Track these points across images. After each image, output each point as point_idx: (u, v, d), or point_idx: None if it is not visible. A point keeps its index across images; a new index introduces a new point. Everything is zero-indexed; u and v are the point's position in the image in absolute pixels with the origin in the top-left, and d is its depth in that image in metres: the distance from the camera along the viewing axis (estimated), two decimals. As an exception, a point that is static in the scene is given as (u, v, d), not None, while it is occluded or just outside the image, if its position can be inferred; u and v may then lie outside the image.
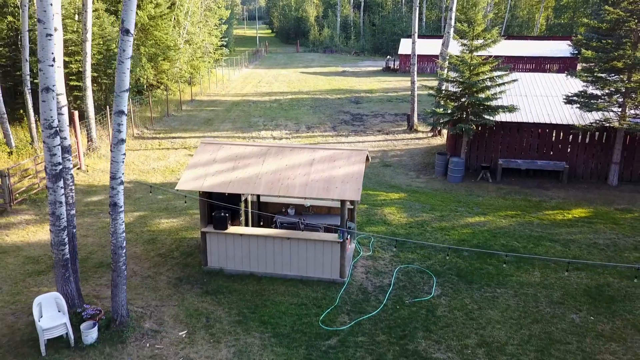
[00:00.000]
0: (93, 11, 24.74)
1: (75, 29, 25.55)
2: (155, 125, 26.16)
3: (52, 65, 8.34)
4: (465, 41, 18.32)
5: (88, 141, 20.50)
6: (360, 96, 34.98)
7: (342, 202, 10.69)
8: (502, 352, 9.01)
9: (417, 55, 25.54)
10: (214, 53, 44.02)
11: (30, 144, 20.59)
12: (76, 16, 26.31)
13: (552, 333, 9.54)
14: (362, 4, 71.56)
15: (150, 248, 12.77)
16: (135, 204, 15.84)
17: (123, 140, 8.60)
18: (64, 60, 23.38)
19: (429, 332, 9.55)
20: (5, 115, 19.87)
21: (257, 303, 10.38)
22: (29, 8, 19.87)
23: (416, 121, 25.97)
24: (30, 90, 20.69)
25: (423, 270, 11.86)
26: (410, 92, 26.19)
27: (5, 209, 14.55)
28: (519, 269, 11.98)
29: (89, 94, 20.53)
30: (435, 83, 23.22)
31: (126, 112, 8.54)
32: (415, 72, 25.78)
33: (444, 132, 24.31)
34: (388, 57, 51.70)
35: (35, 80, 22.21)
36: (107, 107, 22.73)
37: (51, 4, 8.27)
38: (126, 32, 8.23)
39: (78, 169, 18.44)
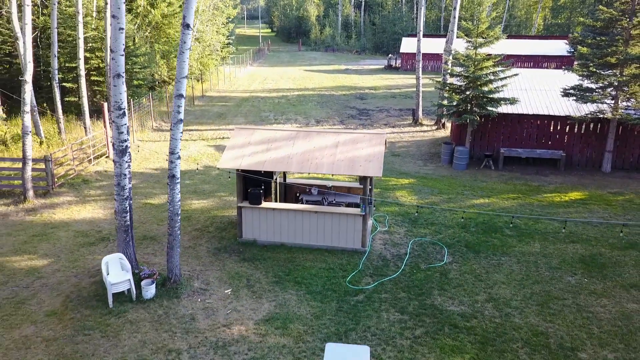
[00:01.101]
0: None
1: (94, 26, 26.78)
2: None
3: (123, 55, 9.63)
4: (470, 38, 19.66)
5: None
6: (364, 92, 36.32)
7: (364, 178, 12.02)
8: (507, 305, 10.35)
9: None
10: (221, 51, 45.29)
11: (59, 134, 21.82)
12: (94, 13, 27.53)
13: (551, 291, 10.89)
14: (363, 3, 72.96)
15: (187, 224, 14.07)
16: (166, 188, 17.10)
17: (181, 120, 9.90)
18: (88, 57, 24.67)
19: (443, 290, 10.89)
20: (36, 107, 21.10)
21: (290, 267, 11.70)
22: (57, 5, 21.15)
23: (421, 115, 27.34)
24: (58, 84, 21.91)
25: (435, 242, 13.20)
26: (414, 89, 27.54)
27: (48, 191, 15.82)
28: (520, 241, 13.33)
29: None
30: (437, 79, 24.57)
31: (185, 96, 9.85)
32: (421, 69, 27.11)
33: (448, 125, 25.69)
34: (389, 55, 53.08)
35: (59, 76, 23.49)
36: (131, 100, 23.94)
37: (124, 2, 9.55)
38: (187, 26, 9.52)
39: (107, 157, 19.69)
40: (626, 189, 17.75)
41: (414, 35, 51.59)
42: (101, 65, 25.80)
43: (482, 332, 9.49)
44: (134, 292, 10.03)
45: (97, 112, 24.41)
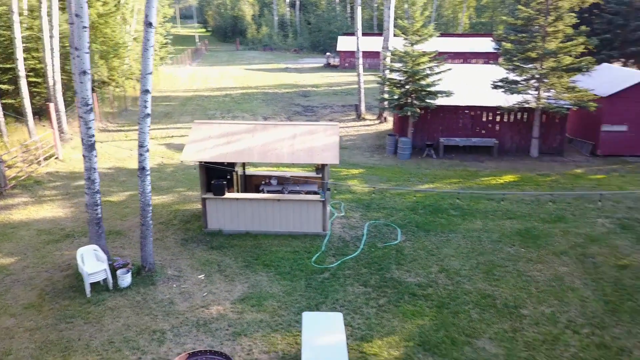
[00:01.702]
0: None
1: (28, 26, 25.85)
2: (117, 120, 27.06)
3: (88, 53, 9.90)
4: (407, 36, 21.02)
5: (60, 133, 21.31)
6: (307, 90, 37.22)
7: (322, 166, 12.88)
8: (458, 274, 11.56)
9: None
10: (160, 50, 44.62)
11: (0, 137, 21.07)
12: (26, 12, 26.55)
13: (494, 260, 12.22)
14: (297, 3, 73.88)
15: (149, 219, 14.31)
16: (123, 186, 17.20)
17: (148, 115, 10.31)
18: (23, 57, 23.88)
19: (400, 265, 11.95)
20: (-26, 111, 20.31)
21: (258, 253, 12.35)
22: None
23: (364, 110, 28.61)
24: (-3, 87, 21.17)
25: (388, 224, 14.29)
26: (354, 86, 28.74)
27: (1, 192, 15.48)
28: (464, 220, 14.69)
29: (59, 87, 21.32)
30: (375, 77, 25.85)
31: (150, 91, 10.27)
32: (361, 66, 28.34)
33: (390, 118, 27.10)
34: (328, 54, 54.34)
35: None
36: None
37: (86, 2, 9.82)
38: (149, 24, 9.96)
39: (56, 158, 19.33)
40: (552, 171, 19.71)
41: (350, 34, 53.12)
42: (38, 66, 25.03)
43: (438, 297, 10.61)
44: (111, 281, 10.33)
45: (37, 114, 23.71)
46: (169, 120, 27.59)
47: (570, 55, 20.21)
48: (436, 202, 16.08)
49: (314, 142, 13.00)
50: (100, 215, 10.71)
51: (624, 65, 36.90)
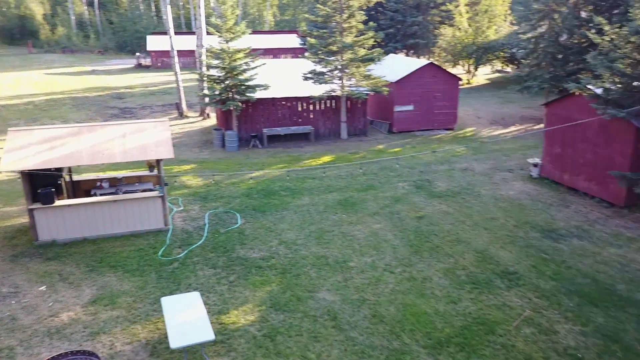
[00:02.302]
0: None
1: None
2: None
3: None
4: (221, 34, 21.96)
5: None
6: (121, 92, 35.65)
7: (157, 162, 13.25)
8: (294, 244, 13.09)
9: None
10: None
11: None
12: None
13: (323, 228, 14.07)
14: (96, 1, 68.92)
15: (-37, 242, 12.99)
16: None
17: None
18: None
19: (243, 244, 13.04)
20: None
21: (101, 256, 12.26)
22: None
23: (185, 108, 28.76)
24: None
25: (227, 211, 15.24)
26: (170, 85, 28.71)
27: None
28: (294, 198, 16.37)
29: None
30: (191, 75, 26.29)
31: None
32: (178, 65, 28.41)
33: (212, 115, 27.77)
34: (138, 54, 52.23)
35: None
36: None
37: None
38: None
39: None
40: (359, 149, 22.67)
41: (160, 33, 51.90)
42: None
43: (281, 266, 11.99)
44: None
45: None
46: (-40, 135, 24.19)
47: (364, 48, 23.38)
48: (267, 186, 17.50)
49: (146, 139, 13.26)
50: None
51: (406, 55, 43.16)
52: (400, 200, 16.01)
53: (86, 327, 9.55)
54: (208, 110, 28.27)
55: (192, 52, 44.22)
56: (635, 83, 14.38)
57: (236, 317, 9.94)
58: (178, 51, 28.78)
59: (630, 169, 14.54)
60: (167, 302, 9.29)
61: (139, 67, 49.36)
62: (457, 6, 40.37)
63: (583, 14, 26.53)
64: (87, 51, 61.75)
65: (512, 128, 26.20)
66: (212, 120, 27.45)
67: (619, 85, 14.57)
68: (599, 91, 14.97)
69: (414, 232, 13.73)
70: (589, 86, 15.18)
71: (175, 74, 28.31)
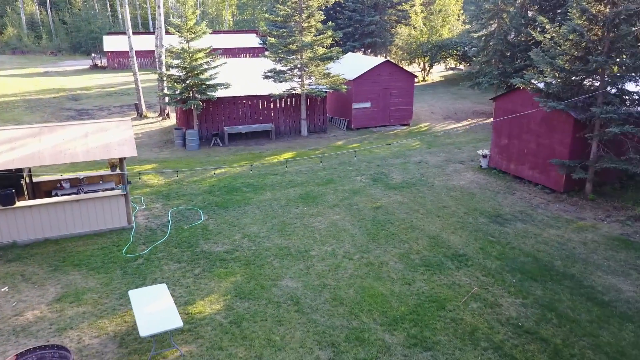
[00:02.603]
0: None
1: None
2: None
3: None
4: (181, 34, 22.09)
5: None
6: (76, 94, 35.06)
7: (121, 160, 13.42)
8: (257, 237, 13.53)
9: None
10: None
11: None
12: None
13: (285, 221, 14.55)
14: (48, 1, 67.01)
15: None
16: None
17: None
18: None
19: (207, 239, 13.39)
20: None
21: (64, 256, 12.36)
22: None
23: (144, 109, 28.63)
24: None
25: (190, 208, 15.52)
26: (128, 86, 28.54)
27: None
28: (256, 194, 16.79)
29: None
30: (150, 76, 26.26)
31: None
32: (137, 65, 28.24)
33: (172, 115, 27.77)
34: (93, 55, 51.23)
35: None
36: None
37: None
38: None
39: None
40: (319, 145, 23.26)
41: (116, 34, 51.12)
42: None
43: (244, 258, 12.41)
44: None
45: None
46: None
47: (323, 47, 23.96)
48: (230, 183, 17.84)
49: (109, 139, 13.41)
50: None
51: (364, 54, 44.06)
52: (358, 193, 16.67)
53: (52, 324, 9.73)
54: (168, 110, 28.26)
55: (151, 52, 43.90)
56: (573, 78, 15.51)
57: (202, 307, 10.31)
58: (136, 51, 28.61)
59: (569, 157, 15.67)
60: (134, 294, 9.57)
61: (95, 68, 48.49)
62: (412, 6, 41.60)
63: (530, 14, 27.98)
64: (39, 52, 60.06)
65: (464, 122, 27.38)
66: (172, 120, 27.48)
67: (559, 80, 15.68)
68: (541, 85, 16.05)
69: (371, 221, 14.39)
70: (532, 81, 16.24)
71: (134, 74, 28.16)
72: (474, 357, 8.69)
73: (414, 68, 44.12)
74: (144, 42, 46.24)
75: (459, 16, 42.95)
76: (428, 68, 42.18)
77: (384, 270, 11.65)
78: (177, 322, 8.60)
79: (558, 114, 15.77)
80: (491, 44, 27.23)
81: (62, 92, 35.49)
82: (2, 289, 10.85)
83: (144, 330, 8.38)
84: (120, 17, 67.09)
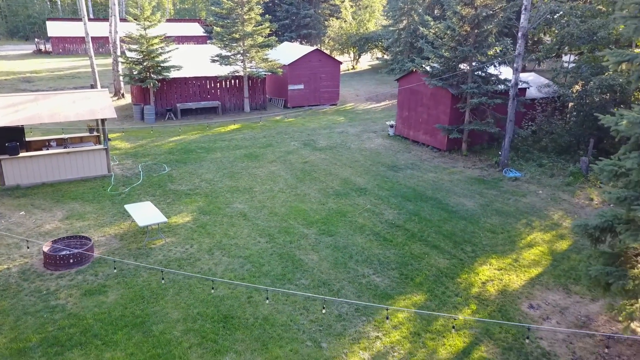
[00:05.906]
0: None
1: None
2: None
3: None
4: (139, 22, 25.54)
5: None
6: (28, 77, 37.18)
7: (103, 121, 17.13)
8: (212, 181, 17.69)
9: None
10: None
11: None
12: None
13: (233, 171, 18.75)
14: (-18, -16, 66.35)
15: (-63, 189, 15.98)
16: None
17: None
18: None
19: (173, 182, 17.40)
20: None
21: (62, 194, 16.02)
22: None
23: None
24: None
25: (155, 163, 19.40)
26: (78, 70, 31.26)
27: None
28: (209, 153, 20.85)
29: None
30: (101, 60, 29.22)
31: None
32: (92, 50, 31.18)
33: (127, 94, 30.97)
34: (37, 40, 52.38)
35: None
36: None
37: None
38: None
39: None
40: (260, 119, 27.51)
41: (60, 19, 52.55)
42: None
43: (204, 193, 16.56)
44: (-53, 224, 12.85)
45: None
46: None
47: (262, 36, 28.13)
48: (186, 146, 21.79)
49: (93, 105, 17.07)
50: None
51: (300, 44, 48.46)
52: (291, 153, 21.14)
53: (67, 231, 13.54)
54: (123, 90, 31.41)
55: (100, 38, 46.08)
56: (451, 63, 20.66)
57: (176, 220, 14.43)
58: (82, 38, 31.40)
59: (449, 123, 20.87)
60: (130, 207, 13.56)
61: (39, 53, 49.86)
62: (343, 1, 46.37)
63: (437, 12, 33.44)
64: (-23, 36, 59.95)
65: (383, 103, 32.51)
66: (127, 100, 30.70)
67: (440, 64, 20.81)
68: (428, 68, 21.13)
69: (300, 170, 18.91)
70: (423, 65, 21.29)
71: (90, 57, 31.07)
72: (361, 239, 13.44)
73: (345, 58, 49.03)
74: (94, 29, 48.20)
75: (383, 12, 48.26)
76: (357, 57, 47.22)
77: (307, 198, 16.22)
78: (163, 218, 12.73)
79: (441, 90, 20.91)
80: (402, 37, 32.41)
81: (12, 75, 37.45)
82: (20, 213, 14.44)
83: (141, 222, 12.46)
84: (59, 2, 67.66)
